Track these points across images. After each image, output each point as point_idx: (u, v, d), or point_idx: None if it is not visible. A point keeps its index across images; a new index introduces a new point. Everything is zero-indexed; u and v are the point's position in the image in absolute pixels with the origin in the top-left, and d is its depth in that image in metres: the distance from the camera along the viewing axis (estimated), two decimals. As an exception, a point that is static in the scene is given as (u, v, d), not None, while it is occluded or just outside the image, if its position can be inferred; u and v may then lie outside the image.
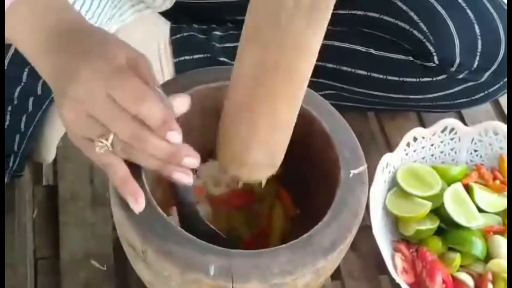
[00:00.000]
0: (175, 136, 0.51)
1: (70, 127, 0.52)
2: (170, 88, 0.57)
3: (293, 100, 0.54)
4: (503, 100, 0.96)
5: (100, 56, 0.51)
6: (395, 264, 0.75)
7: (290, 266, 0.53)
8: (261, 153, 0.56)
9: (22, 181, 0.80)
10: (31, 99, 0.75)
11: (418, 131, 0.83)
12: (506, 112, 0.96)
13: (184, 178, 0.54)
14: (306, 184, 0.65)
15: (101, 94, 0.50)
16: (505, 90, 0.89)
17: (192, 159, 0.53)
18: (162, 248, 0.52)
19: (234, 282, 0.51)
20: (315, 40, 0.50)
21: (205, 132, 0.60)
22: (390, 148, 0.87)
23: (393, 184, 0.82)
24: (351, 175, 0.59)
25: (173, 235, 0.53)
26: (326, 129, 0.61)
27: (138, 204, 0.53)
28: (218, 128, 0.58)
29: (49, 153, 0.81)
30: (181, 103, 0.54)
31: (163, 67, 0.84)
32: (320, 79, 0.87)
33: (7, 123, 0.74)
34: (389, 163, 0.81)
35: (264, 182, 0.60)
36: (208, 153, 0.60)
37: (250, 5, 0.50)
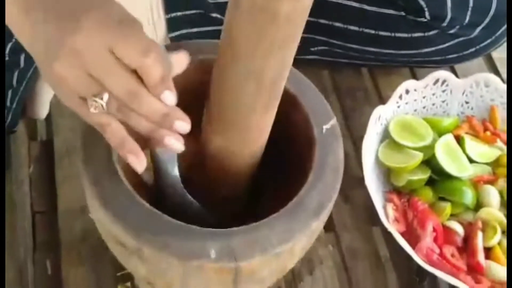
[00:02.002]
0: (170, 96, 0.50)
1: (61, 85, 0.50)
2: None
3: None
4: (495, 54, 0.96)
5: (101, 8, 0.49)
6: (387, 213, 0.76)
7: (287, 234, 0.53)
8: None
9: (17, 137, 0.80)
10: (22, 55, 0.75)
11: (410, 83, 0.84)
12: (498, 69, 0.97)
13: (175, 144, 0.52)
14: (276, 148, 0.63)
15: (102, 47, 0.48)
16: (497, 45, 0.89)
17: (184, 123, 0.52)
18: (158, 242, 0.51)
19: (238, 261, 0.51)
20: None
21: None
22: (383, 103, 0.87)
23: (385, 136, 0.82)
24: (324, 131, 0.59)
25: (166, 226, 0.52)
26: (291, 90, 0.60)
27: (140, 162, 0.52)
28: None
29: (43, 108, 0.82)
30: (181, 61, 0.52)
31: (155, 23, 0.84)
32: (313, 35, 0.87)
33: (-1, 78, 0.74)
34: (381, 115, 0.81)
35: None
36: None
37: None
